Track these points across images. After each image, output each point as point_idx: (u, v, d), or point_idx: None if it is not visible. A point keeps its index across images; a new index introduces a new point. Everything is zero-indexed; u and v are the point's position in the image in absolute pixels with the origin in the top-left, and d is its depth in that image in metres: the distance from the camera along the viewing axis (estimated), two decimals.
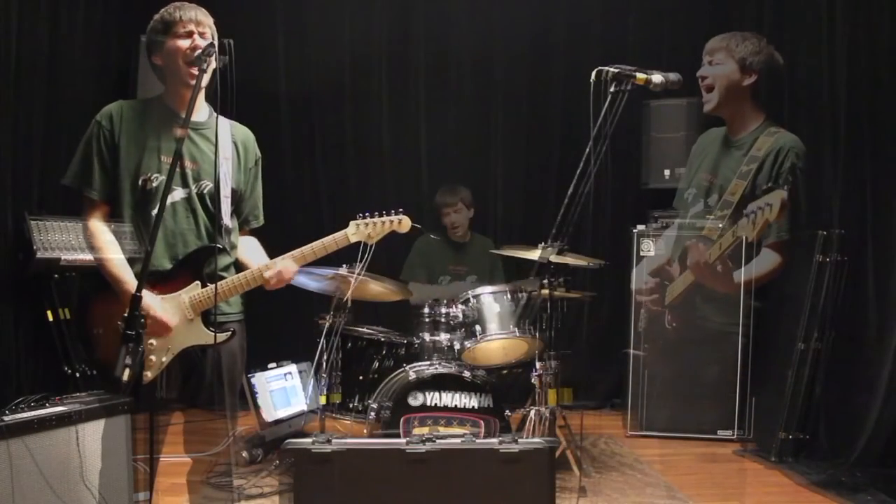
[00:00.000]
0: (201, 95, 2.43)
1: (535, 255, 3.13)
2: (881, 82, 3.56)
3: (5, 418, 2.13)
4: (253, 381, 3.94)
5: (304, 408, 4.00)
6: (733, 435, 4.09)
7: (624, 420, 4.46)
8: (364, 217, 2.59)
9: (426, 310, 3.71)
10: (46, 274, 3.87)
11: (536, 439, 2.43)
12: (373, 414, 3.37)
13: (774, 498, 3.37)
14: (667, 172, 4.71)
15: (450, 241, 4.60)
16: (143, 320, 2.04)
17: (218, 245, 2.43)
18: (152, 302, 2.30)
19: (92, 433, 2.29)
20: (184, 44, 2.37)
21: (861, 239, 3.65)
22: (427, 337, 3.65)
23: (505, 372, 3.85)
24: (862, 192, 3.65)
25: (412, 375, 3.35)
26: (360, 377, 3.62)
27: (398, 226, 2.61)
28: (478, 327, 3.58)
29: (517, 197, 5.27)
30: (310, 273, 3.23)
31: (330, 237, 2.55)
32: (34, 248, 3.75)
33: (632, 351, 4.30)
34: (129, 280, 2.31)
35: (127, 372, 1.97)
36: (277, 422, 3.97)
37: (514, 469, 2.31)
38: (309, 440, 2.35)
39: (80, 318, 3.83)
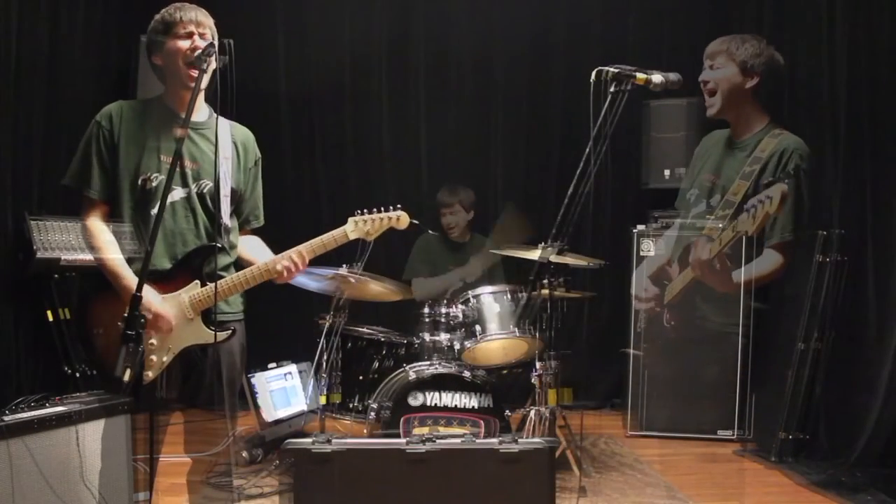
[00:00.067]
0: (201, 96, 2.43)
1: (535, 254, 3.13)
2: (881, 82, 3.56)
3: (5, 418, 2.13)
4: (253, 381, 3.94)
5: (304, 408, 4.00)
6: (733, 435, 4.09)
7: (624, 420, 4.46)
8: (362, 213, 2.58)
9: (426, 310, 3.72)
10: (46, 274, 3.88)
11: (536, 439, 2.43)
12: (373, 414, 3.37)
13: (774, 498, 3.37)
14: (667, 172, 4.70)
15: (449, 240, 4.60)
16: (143, 319, 2.04)
17: (217, 244, 2.42)
18: (153, 298, 2.29)
19: (92, 433, 2.29)
20: (184, 44, 2.37)
21: (861, 239, 3.65)
22: (427, 337, 3.65)
23: (505, 372, 3.85)
24: (862, 192, 3.64)
25: (412, 375, 3.35)
26: (360, 377, 3.62)
27: (396, 222, 2.59)
28: (478, 327, 3.59)
29: (517, 197, 5.26)
30: (310, 273, 3.22)
31: (329, 234, 2.53)
32: (34, 248, 3.76)
33: (631, 351, 4.30)
34: (129, 276, 2.31)
35: (127, 372, 1.97)
36: (277, 422, 3.97)
37: (514, 469, 2.31)
38: (309, 440, 2.35)
39: (80, 318, 3.78)
